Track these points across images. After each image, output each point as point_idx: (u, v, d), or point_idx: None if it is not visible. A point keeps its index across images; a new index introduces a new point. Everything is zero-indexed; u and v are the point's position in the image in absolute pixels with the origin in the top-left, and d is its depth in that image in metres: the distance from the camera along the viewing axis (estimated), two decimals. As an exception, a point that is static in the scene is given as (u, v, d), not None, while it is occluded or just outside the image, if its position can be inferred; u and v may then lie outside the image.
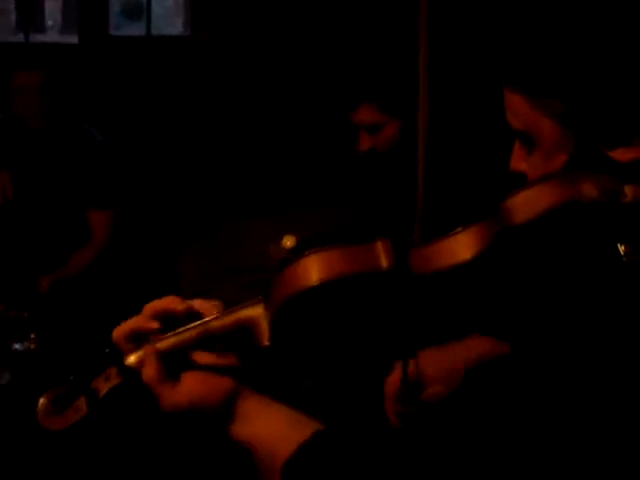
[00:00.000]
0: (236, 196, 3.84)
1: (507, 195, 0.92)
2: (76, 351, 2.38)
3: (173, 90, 3.96)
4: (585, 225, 0.89)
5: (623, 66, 1.04)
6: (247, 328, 0.96)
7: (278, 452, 0.95)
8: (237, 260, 3.26)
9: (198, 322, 0.98)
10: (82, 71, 3.78)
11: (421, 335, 0.95)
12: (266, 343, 0.95)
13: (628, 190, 0.87)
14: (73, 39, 4.30)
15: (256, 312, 0.96)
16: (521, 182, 1.08)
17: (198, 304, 1.01)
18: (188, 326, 0.98)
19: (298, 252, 0.91)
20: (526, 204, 0.91)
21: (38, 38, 4.76)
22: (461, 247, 0.90)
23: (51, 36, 5.66)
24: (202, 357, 0.99)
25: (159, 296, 1.01)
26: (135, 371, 0.98)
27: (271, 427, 0.98)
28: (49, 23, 5.98)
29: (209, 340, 0.98)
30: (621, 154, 1.02)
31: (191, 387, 0.97)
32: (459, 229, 0.91)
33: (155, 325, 0.99)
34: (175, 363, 0.98)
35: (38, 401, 0.98)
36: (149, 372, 0.96)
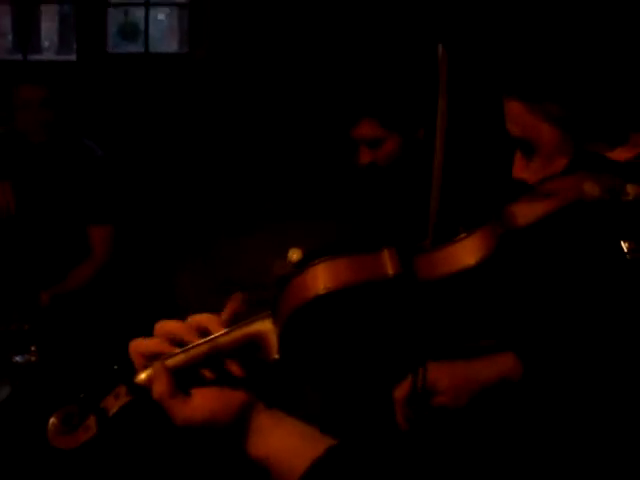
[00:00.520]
0: (234, 212, 3.84)
1: (510, 201, 0.95)
2: (76, 364, 2.39)
3: (171, 106, 3.95)
4: (589, 223, 0.92)
5: (617, 66, 1.06)
6: (256, 342, 0.97)
7: (293, 468, 0.95)
8: (234, 276, 3.26)
9: (207, 338, 0.98)
10: (80, 88, 3.78)
11: (430, 342, 0.96)
12: (275, 356, 0.96)
13: (630, 188, 0.90)
14: (70, 59, 4.31)
15: (264, 326, 0.97)
16: (524, 190, 1.10)
17: (205, 320, 1.00)
18: (196, 342, 0.98)
19: (304, 264, 0.92)
20: (529, 206, 0.93)
21: (36, 58, 4.78)
22: (466, 252, 0.91)
23: (48, 56, 5.67)
24: (212, 373, 0.98)
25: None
26: (145, 389, 0.97)
27: (285, 442, 0.98)
28: (46, 44, 5.99)
29: (218, 356, 0.97)
30: (620, 154, 1.04)
31: (204, 402, 0.96)
32: (463, 234, 0.92)
33: (177, 350, 0.98)
34: (185, 379, 0.97)
35: (48, 421, 0.97)
36: (160, 388, 0.96)
